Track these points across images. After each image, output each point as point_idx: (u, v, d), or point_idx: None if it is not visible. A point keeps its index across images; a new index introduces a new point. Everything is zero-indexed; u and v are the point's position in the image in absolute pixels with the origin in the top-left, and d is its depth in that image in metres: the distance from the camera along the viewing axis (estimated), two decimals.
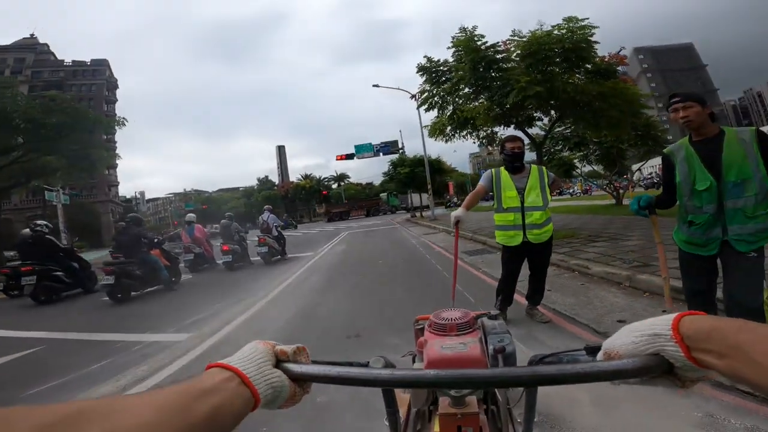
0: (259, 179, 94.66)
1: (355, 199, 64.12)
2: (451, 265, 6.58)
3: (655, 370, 0.44)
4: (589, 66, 9.15)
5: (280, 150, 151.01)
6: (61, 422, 0.31)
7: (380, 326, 3.94)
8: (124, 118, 23.90)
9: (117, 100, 53.71)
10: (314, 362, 0.56)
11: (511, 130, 10.26)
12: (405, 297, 5.20)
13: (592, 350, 0.53)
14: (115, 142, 42.08)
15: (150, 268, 7.76)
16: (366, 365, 0.63)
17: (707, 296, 2.43)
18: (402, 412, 0.94)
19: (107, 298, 7.18)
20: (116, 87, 54.44)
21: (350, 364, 0.61)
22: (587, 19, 8.45)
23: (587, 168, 19.78)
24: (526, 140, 9.85)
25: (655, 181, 35.69)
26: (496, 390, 1.00)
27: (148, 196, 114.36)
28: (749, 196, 2.11)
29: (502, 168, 3.56)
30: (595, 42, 8.67)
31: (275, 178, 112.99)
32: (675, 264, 2.65)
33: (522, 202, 3.36)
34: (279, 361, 0.53)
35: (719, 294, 2.46)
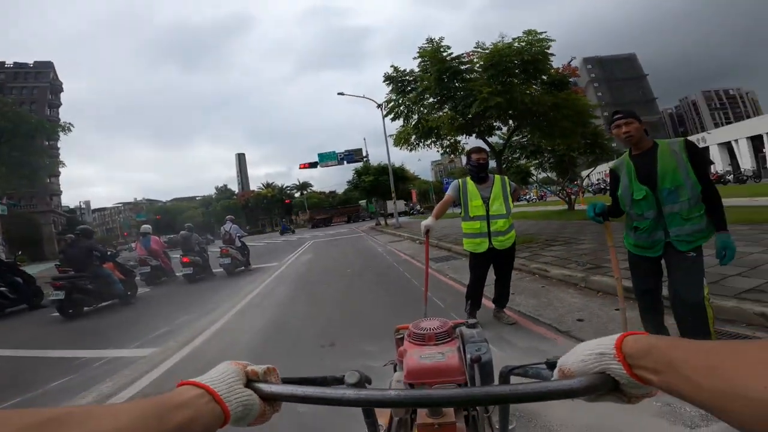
0: (217, 188, 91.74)
1: (337, 206, 66.65)
2: (419, 273, 6.77)
3: (602, 388, 0.47)
4: (545, 77, 9.61)
5: (240, 158, 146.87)
6: (44, 424, 0.33)
7: (354, 334, 3.97)
8: (69, 123, 22.54)
9: (61, 104, 50.42)
10: (284, 381, 0.58)
11: (473, 139, 10.63)
12: (376, 305, 5.26)
13: (552, 365, 0.56)
14: (58, 149, 39.42)
15: (103, 282, 7.44)
16: (341, 379, 0.64)
17: (654, 294, 2.70)
18: (384, 422, 0.96)
19: (57, 314, 6.84)
20: (61, 90, 51.13)
21: (324, 379, 0.64)
22: (545, 32, 8.90)
23: (542, 175, 20.73)
24: (486, 148, 10.22)
25: (602, 186, 38.07)
26: None
27: (94, 206, 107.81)
28: (683, 201, 2.38)
29: (468, 178, 3.73)
30: (551, 54, 9.13)
31: (235, 187, 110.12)
32: (625, 265, 2.91)
33: (487, 211, 3.54)
34: (250, 381, 0.55)
35: (666, 292, 2.73)
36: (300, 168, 38.94)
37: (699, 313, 2.37)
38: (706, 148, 43.80)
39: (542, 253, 6.93)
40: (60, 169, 37.81)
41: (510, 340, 3.33)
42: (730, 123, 56.30)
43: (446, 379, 0.86)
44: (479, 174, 3.65)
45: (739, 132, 40.94)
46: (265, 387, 0.54)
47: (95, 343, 4.98)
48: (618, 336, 0.47)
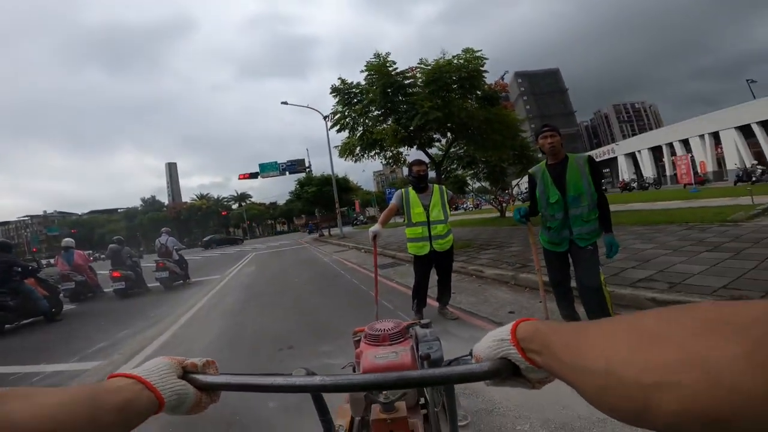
0: (143, 200, 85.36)
1: (323, 212, 71.68)
2: (366, 279, 7.06)
3: (503, 372, 0.49)
4: (479, 92, 10.36)
5: (171, 167, 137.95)
6: None
7: (310, 337, 4.14)
8: None
9: None
10: (223, 374, 0.59)
11: (414, 151, 11.18)
12: (328, 309, 5.46)
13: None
14: None
15: (25, 298, 7.06)
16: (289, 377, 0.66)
17: (565, 285, 3.25)
18: (345, 422, 1.01)
19: None
20: None
21: (272, 376, 0.63)
22: (480, 50, 9.62)
23: (477, 184, 21.99)
24: (427, 160, 10.72)
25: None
26: (425, 393, 1.07)
27: None
28: (584, 206, 2.94)
29: (410, 188, 4.12)
30: (485, 71, 9.88)
31: (164, 199, 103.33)
32: (543, 262, 3.43)
33: (428, 217, 3.94)
34: (187, 373, 0.57)
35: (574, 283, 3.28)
36: (240, 178, 37.57)
37: (598, 295, 2.93)
38: (615, 159, 48.84)
39: (478, 256, 7.56)
40: None
41: (454, 333, 3.72)
42: (636, 135, 63.09)
43: None
44: (420, 184, 4.04)
45: (641, 143, 45.47)
46: (200, 377, 0.57)
47: (27, 358, 4.76)
48: (513, 323, 0.50)
